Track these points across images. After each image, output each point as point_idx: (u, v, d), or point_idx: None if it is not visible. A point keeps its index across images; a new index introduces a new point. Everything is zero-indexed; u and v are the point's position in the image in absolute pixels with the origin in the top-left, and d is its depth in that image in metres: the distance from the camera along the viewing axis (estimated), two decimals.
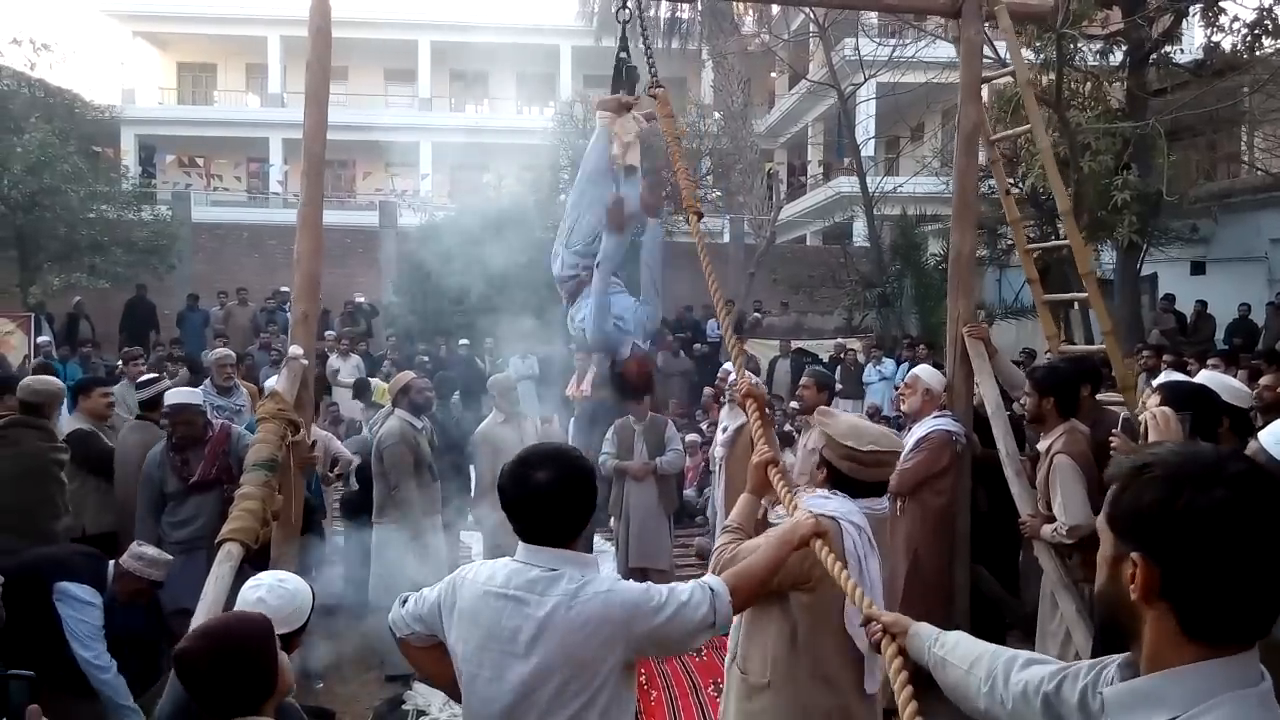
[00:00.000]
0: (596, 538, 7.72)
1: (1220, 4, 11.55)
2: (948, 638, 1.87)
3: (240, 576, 3.13)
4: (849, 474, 2.75)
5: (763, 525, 2.86)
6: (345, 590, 6.31)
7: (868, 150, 19.76)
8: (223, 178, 29.18)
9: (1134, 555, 1.21)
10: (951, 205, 5.44)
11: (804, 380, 5.83)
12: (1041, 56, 11.07)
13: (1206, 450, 1.25)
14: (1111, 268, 12.77)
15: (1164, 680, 1.21)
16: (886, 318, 15.85)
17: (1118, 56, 12.16)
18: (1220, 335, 13.06)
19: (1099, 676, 1.41)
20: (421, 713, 4.82)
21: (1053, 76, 10.48)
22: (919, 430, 4.77)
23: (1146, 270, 13.69)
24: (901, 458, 4.71)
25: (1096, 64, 12.04)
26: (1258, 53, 11.48)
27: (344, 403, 10.58)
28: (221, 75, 31.65)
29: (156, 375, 6.40)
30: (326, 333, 12.55)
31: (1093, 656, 3.43)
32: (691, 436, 9.26)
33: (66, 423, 5.48)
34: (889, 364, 13.16)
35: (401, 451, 5.51)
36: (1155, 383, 3.77)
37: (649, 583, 2.18)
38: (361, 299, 16.25)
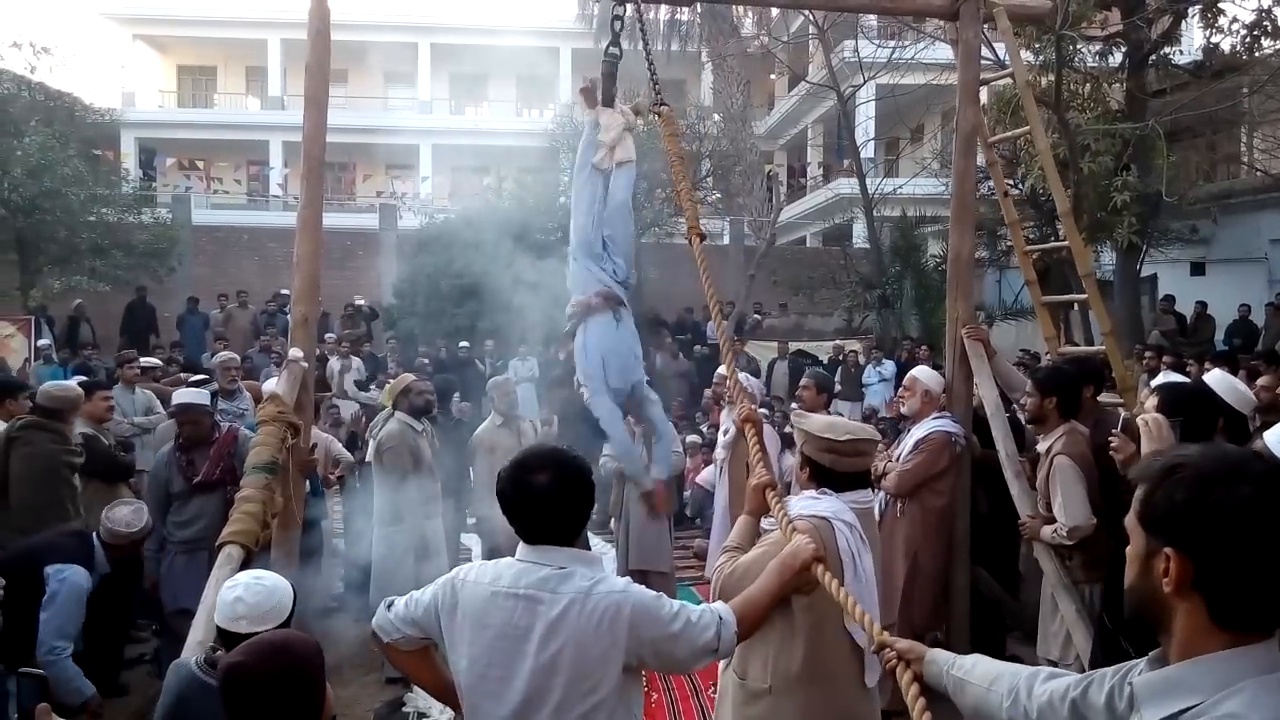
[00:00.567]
0: (598, 540, 7.73)
1: (1219, 5, 11.56)
2: (965, 660, 1.90)
3: None
4: (831, 466, 2.79)
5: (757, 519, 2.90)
6: (345, 592, 6.34)
7: (867, 152, 19.79)
8: (223, 180, 29.22)
9: (1167, 550, 1.28)
10: (951, 207, 5.44)
11: (803, 382, 5.84)
12: (1041, 58, 11.07)
13: (1231, 451, 1.36)
14: (1111, 269, 12.76)
15: (1192, 668, 1.28)
16: (886, 319, 15.85)
17: (1117, 58, 12.17)
18: (1220, 336, 13.05)
19: (1125, 678, 1.47)
20: (422, 715, 4.82)
21: (1052, 78, 10.47)
22: (918, 431, 4.76)
23: (1146, 271, 13.68)
24: (901, 459, 4.73)
25: (1096, 65, 12.04)
26: (1257, 54, 11.47)
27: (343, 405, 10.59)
28: (221, 78, 31.71)
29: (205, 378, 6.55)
30: (326, 335, 12.54)
31: (1092, 658, 3.45)
32: (692, 438, 9.26)
33: None
34: (889, 365, 13.13)
35: (402, 454, 5.51)
36: (1153, 384, 3.78)
37: (662, 594, 2.19)
38: (361, 301, 16.26)
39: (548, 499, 2.09)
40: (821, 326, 16.74)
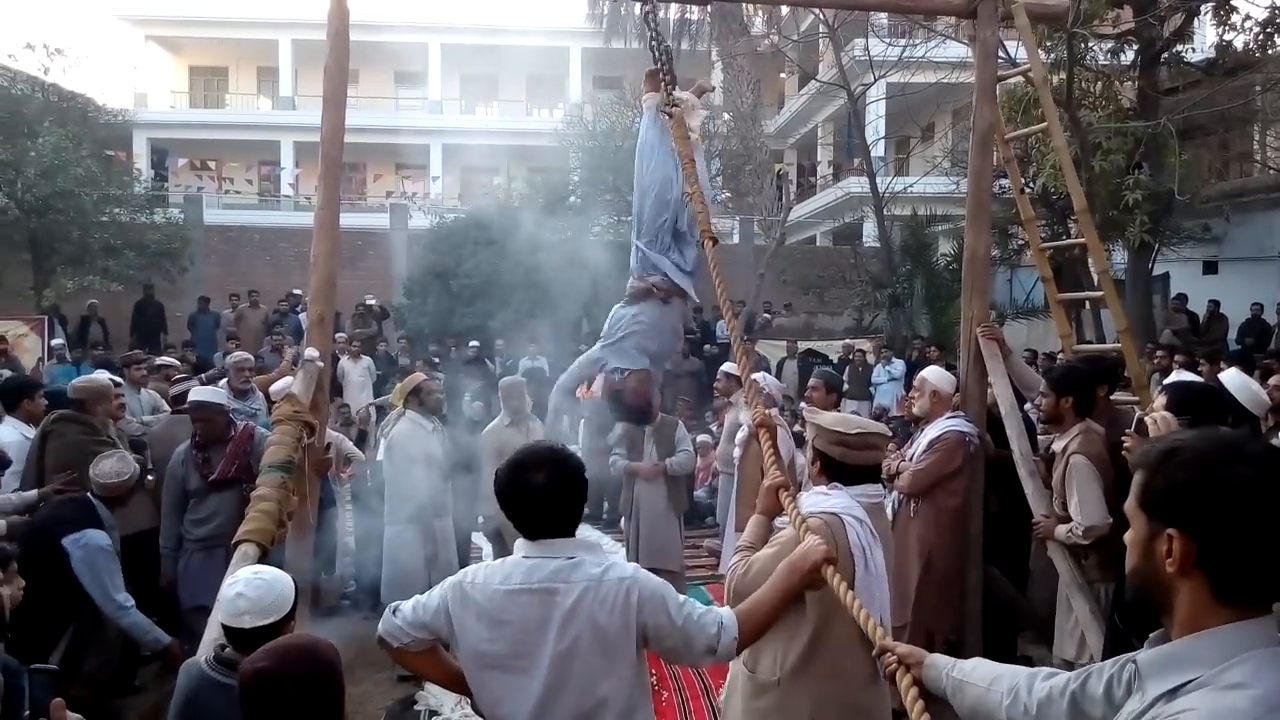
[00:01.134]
0: (608, 538, 7.75)
1: (1232, 3, 11.50)
2: (964, 663, 1.93)
3: None
4: (841, 459, 2.84)
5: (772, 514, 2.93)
6: (356, 590, 6.36)
7: (878, 150, 19.73)
8: (234, 181, 29.34)
9: (1170, 531, 1.32)
10: (963, 205, 5.42)
11: (813, 381, 5.84)
12: (1053, 56, 11.03)
13: (1227, 434, 1.41)
14: (1123, 267, 12.71)
15: (1195, 642, 1.32)
16: (897, 318, 15.81)
17: (1129, 56, 12.13)
18: (1233, 335, 12.97)
19: (1123, 667, 1.52)
20: (434, 713, 4.83)
21: (1064, 76, 10.44)
22: (931, 431, 4.74)
23: (1158, 270, 13.61)
24: (914, 459, 4.72)
25: (1108, 63, 12.00)
26: (1269, 51, 11.42)
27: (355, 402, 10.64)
28: (233, 79, 31.82)
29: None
30: (337, 335, 12.59)
31: (1104, 657, 3.44)
32: (702, 437, 9.25)
33: None
34: (898, 364, 13.08)
35: (412, 453, 5.52)
36: (1165, 383, 3.77)
37: (669, 585, 2.26)
38: (372, 301, 16.30)
39: (547, 495, 2.19)
40: (831, 325, 16.71)
